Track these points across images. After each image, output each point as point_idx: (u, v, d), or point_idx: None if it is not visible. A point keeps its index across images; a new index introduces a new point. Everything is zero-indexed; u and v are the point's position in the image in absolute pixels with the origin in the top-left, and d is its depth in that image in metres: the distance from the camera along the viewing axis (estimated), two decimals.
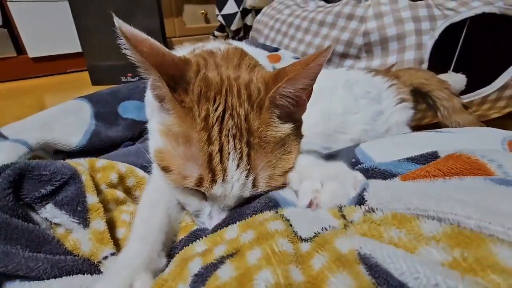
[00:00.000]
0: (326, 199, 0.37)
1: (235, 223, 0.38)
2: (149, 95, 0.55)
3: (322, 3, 1.35)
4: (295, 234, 0.31)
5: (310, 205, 0.37)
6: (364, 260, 0.24)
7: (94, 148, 0.70)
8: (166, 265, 0.38)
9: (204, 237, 0.37)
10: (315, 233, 0.31)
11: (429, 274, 0.20)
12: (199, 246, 0.35)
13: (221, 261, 0.30)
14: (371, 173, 0.44)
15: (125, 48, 0.35)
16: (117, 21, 0.34)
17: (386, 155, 0.51)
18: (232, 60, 0.46)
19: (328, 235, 0.29)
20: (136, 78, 1.70)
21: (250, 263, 0.28)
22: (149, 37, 0.36)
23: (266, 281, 0.25)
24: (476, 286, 0.20)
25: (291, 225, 0.33)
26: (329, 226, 0.31)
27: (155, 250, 0.38)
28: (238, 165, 0.38)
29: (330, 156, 0.59)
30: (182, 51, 0.59)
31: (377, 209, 0.31)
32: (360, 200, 0.35)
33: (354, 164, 0.53)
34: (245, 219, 0.38)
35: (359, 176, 0.39)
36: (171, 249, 0.43)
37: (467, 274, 0.21)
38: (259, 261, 0.27)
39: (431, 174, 0.38)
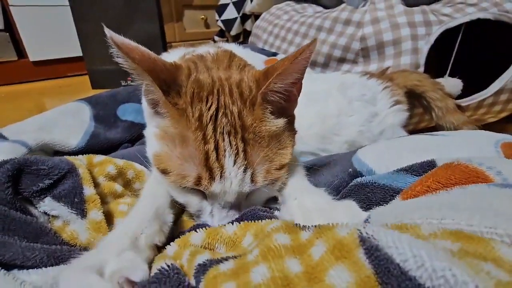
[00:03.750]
0: None
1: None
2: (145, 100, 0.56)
3: (320, 8, 1.37)
4: (296, 225, 0.32)
5: None
6: (365, 242, 0.23)
7: (92, 149, 0.70)
8: (172, 222, 0.43)
9: (204, 228, 0.38)
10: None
11: (436, 265, 0.19)
12: (198, 235, 0.36)
13: (226, 259, 0.31)
14: (371, 188, 0.44)
15: (117, 56, 0.37)
16: (108, 32, 0.36)
17: (382, 163, 0.51)
18: (222, 62, 0.48)
19: (329, 225, 0.29)
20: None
21: (248, 260, 0.29)
22: (139, 45, 0.38)
23: (262, 275, 0.25)
24: (487, 278, 0.18)
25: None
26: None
27: (163, 205, 0.43)
28: (235, 161, 0.39)
29: (328, 165, 0.59)
30: (173, 54, 0.60)
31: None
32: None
33: (351, 174, 0.53)
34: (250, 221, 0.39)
35: (365, 216, 0.38)
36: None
37: (475, 261, 0.20)
38: (256, 257, 0.28)
39: (432, 188, 0.37)
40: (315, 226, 0.31)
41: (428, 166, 0.44)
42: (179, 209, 0.47)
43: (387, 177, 0.45)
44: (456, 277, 0.18)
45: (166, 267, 0.29)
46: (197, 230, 0.39)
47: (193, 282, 0.29)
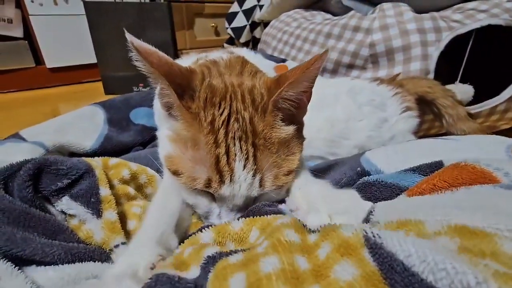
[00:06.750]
0: None
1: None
2: (157, 104, 0.58)
3: (329, 16, 1.38)
4: (304, 226, 0.33)
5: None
6: (369, 241, 0.24)
7: (106, 151, 0.73)
8: (177, 247, 0.40)
9: (211, 227, 0.38)
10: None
11: (438, 259, 0.20)
12: (206, 233, 0.36)
13: (235, 251, 0.31)
14: (377, 187, 0.45)
15: (136, 60, 0.38)
16: (129, 36, 0.37)
17: (391, 163, 0.52)
18: (235, 68, 0.49)
19: (335, 225, 0.30)
20: (148, 88, 1.76)
21: (258, 251, 0.29)
22: (157, 50, 0.39)
23: (273, 265, 0.26)
24: (485, 270, 0.19)
25: (299, 220, 0.34)
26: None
27: (167, 230, 0.40)
28: (244, 166, 0.40)
29: (336, 165, 0.59)
30: (187, 60, 0.62)
31: (379, 222, 0.32)
32: (366, 222, 0.35)
33: (360, 173, 0.53)
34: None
35: (368, 207, 0.39)
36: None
37: (474, 257, 0.21)
38: (266, 249, 0.29)
39: (438, 186, 0.38)
40: (321, 228, 0.31)
41: (435, 166, 0.44)
42: (187, 221, 0.47)
43: (394, 176, 0.45)
44: (456, 269, 0.19)
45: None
46: (204, 229, 0.39)
47: (196, 272, 0.30)
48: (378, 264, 0.22)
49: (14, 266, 0.32)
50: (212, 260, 0.30)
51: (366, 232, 0.25)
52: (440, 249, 0.21)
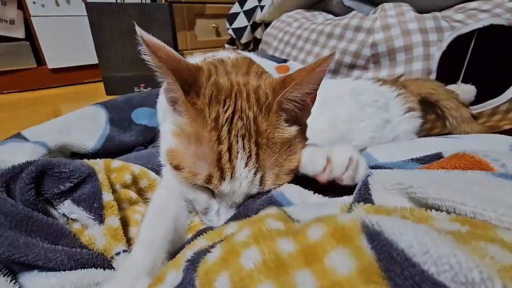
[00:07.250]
0: (339, 159, 0.39)
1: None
2: (161, 100, 0.57)
3: (330, 16, 1.38)
4: (289, 217, 0.31)
5: (324, 169, 0.39)
6: (367, 229, 0.23)
7: (108, 151, 0.73)
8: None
9: (204, 234, 0.36)
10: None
11: (442, 251, 0.18)
12: (200, 240, 0.34)
13: (212, 246, 0.30)
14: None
15: (145, 54, 0.38)
16: (139, 30, 0.37)
17: (392, 158, 0.52)
18: (241, 67, 0.49)
19: (330, 215, 0.28)
20: (149, 89, 1.76)
21: (237, 241, 0.27)
22: (166, 45, 0.39)
23: (254, 259, 0.24)
24: (491, 264, 0.18)
25: (285, 212, 0.33)
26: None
27: (159, 258, 0.39)
28: (246, 164, 0.40)
29: None
30: (193, 60, 0.62)
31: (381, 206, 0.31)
32: (364, 188, 0.34)
33: None
34: (249, 217, 0.38)
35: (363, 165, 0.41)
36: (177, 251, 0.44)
37: (480, 248, 0.19)
38: (248, 238, 0.27)
39: (435, 170, 0.39)
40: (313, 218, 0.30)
41: (435, 157, 0.45)
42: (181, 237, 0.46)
43: (393, 164, 0.47)
44: (460, 264, 0.17)
45: None
46: (198, 237, 0.37)
47: (176, 278, 0.28)
48: (376, 253, 0.21)
49: (10, 280, 0.31)
50: (192, 266, 0.28)
51: (364, 220, 0.24)
52: (443, 239, 0.20)
